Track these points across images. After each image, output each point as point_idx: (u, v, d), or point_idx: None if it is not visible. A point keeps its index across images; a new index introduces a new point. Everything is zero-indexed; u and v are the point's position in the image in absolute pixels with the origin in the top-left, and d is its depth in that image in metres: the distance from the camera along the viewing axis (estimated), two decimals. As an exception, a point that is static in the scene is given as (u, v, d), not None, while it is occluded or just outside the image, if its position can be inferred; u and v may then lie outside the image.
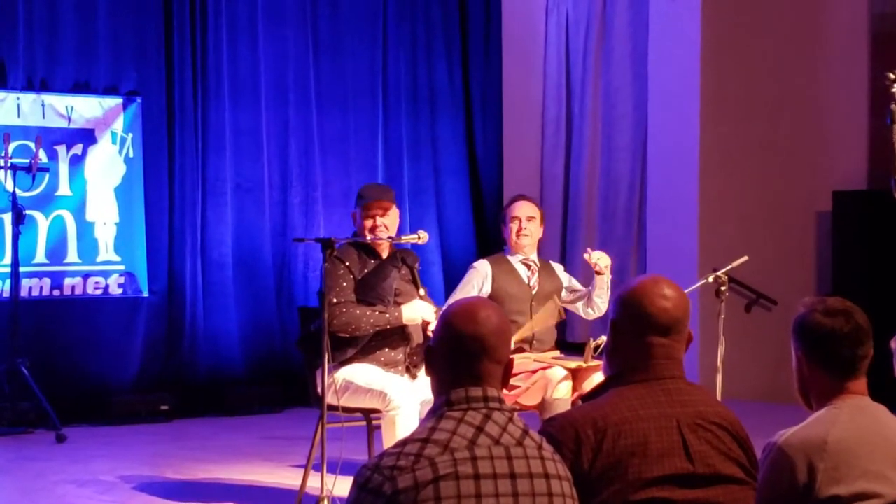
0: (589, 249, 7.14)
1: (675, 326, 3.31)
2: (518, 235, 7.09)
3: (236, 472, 7.70)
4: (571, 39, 11.53)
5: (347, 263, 6.45)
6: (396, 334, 6.47)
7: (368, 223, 6.53)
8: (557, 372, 6.62)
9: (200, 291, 10.16)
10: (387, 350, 6.47)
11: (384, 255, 6.60)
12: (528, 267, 7.13)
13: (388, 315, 6.37)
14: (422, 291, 6.60)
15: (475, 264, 7.21)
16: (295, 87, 10.69)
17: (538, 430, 3.11)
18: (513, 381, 6.61)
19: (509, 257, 7.15)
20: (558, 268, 7.39)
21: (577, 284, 7.34)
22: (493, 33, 11.87)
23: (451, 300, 6.94)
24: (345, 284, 6.39)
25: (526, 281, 7.08)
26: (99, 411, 9.52)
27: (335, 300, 6.31)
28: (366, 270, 6.48)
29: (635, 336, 3.31)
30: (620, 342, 3.35)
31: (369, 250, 6.56)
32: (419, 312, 6.45)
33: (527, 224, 7.09)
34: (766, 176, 10.66)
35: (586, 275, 7.34)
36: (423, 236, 6.56)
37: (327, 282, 6.21)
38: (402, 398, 6.16)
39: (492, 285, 7.02)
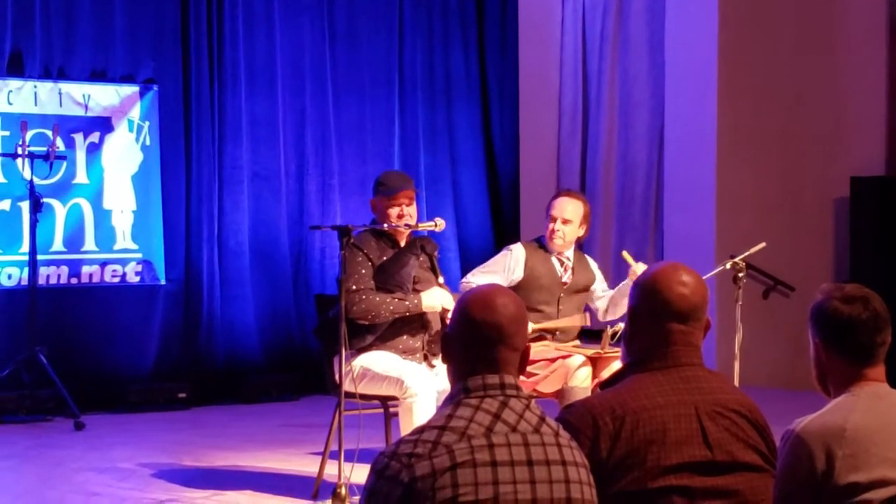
0: (626, 253, 7.04)
1: (694, 313, 3.30)
2: (551, 237, 7.05)
3: (254, 459, 7.72)
4: (588, 26, 11.51)
5: (365, 251, 6.44)
6: (415, 322, 6.47)
7: (395, 212, 6.50)
8: (577, 360, 6.62)
9: (217, 279, 10.18)
10: (405, 337, 6.47)
11: (402, 242, 6.59)
12: (562, 263, 7.11)
13: (407, 302, 6.37)
14: (441, 279, 6.60)
15: (511, 247, 7.18)
16: (311, 75, 10.70)
17: (556, 417, 3.10)
18: (532, 369, 6.62)
19: (546, 247, 7.13)
20: (593, 263, 7.37)
21: (604, 285, 7.33)
22: (510, 21, 11.85)
23: (474, 274, 6.96)
24: (363, 272, 6.39)
25: (558, 273, 7.07)
26: (117, 399, 9.55)
27: (354, 287, 6.31)
28: (384, 258, 6.48)
29: (654, 323, 3.30)
30: (639, 329, 3.34)
31: (387, 238, 6.55)
32: (439, 300, 6.44)
33: (561, 227, 7.01)
34: (784, 162, 10.64)
35: (603, 276, 7.33)
36: (439, 223, 6.56)
37: (346, 269, 6.21)
38: (419, 385, 6.17)
39: (524, 271, 7.01)
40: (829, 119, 10.79)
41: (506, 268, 7.02)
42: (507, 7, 11.86)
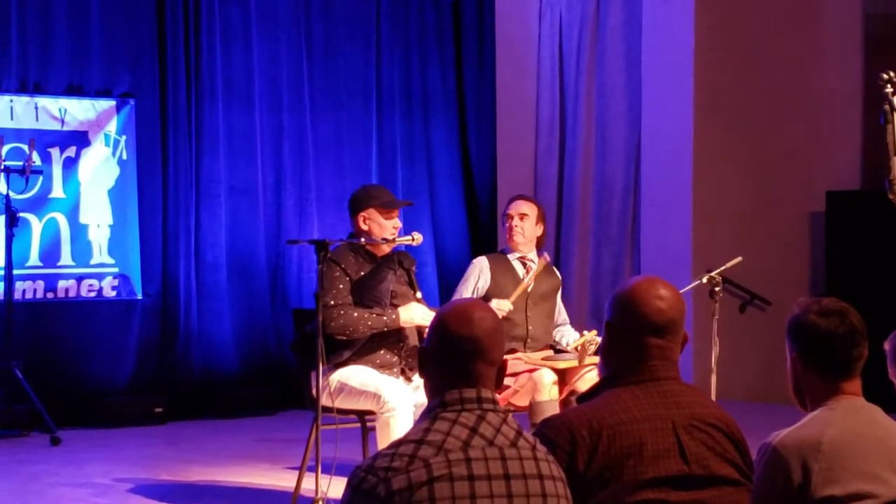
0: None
1: (671, 327, 3.30)
2: (510, 233, 7.20)
3: (231, 474, 7.70)
4: (565, 41, 11.53)
5: (343, 266, 6.43)
6: (392, 336, 6.46)
7: (391, 223, 6.54)
8: (545, 374, 6.63)
9: (194, 293, 10.15)
10: (382, 352, 6.46)
11: (379, 257, 6.59)
12: (524, 265, 7.19)
13: (385, 317, 6.37)
14: (419, 294, 6.61)
15: (474, 261, 7.33)
16: (288, 89, 10.69)
17: (532, 431, 3.10)
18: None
19: (508, 255, 7.22)
20: (557, 273, 7.46)
21: (563, 312, 7.43)
22: (487, 35, 11.86)
23: (454, 298, 6.97)
24: (341, 286, 6.39)
25: (522, 278, 7.12)
26: (93, 414, 9.51)
27: (332, 302, 6.30)
28: (362, 273, 6.48)
29: (631, 337, 3.30)
30: (616, 343, 3.34)
31: (365, 253, 6.55)
32: (416, 315, 6.44)
33: (518, 222, 7.18)
34: (760, 176, 10.67)
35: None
36: (417, 238, 6.58)
37: (323, 284, 6.20)
38: (396, 400, 6.16)
39: (489, 281, 7.08)
40: (805, 133, 10.83)
41: (473, 280, 7.14)
42: (484, 22, 11.87)
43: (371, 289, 6.43)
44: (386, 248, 6.58)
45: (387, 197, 6.65)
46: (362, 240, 6.50)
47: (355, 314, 6.33)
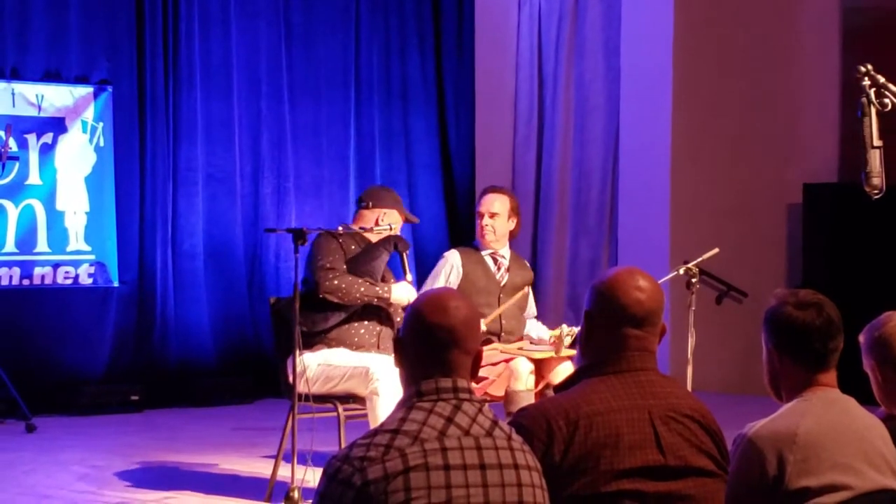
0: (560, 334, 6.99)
1: (650, 318, 3.30)
2: (482, 233, 7.13)
3: (207, 462, 7.68)
4: (544, 32, 11.54)
5: (340, 240, 6.50)
6: (374, 316, 6.50)
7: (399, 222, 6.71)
8: (521, 363, 6.63)
9: (171, 281, 10.13)
10: (362, 333, 6.50)
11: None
12: (496, 261, 7.16)
13: (378, 289, 6.42)
14: (409, 277, 6.64)
15: (445, 254, 7.26)
16: (267, 77, 10.67)
17: (508, 420, 3.10)
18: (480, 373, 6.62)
19: (480, 250, 7.17)
20: (529, 267, 7.49)
21: (533, 306, 7.41)
22: (466, 25, 11.86)
23: (423, 290, 6.97)
24: (337, 256, 6.43)
25: (493, 271, 7.11)
26: (69, 401, 9.48)
27: (328, 265, 6.33)
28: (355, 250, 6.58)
29: (609, 327, 3.30)
30: (594, 333, 3.34)
31: (360, 238, 6.64)
32: (407, 294, 6.49)
33: (489, 221, 7.09)
34: (738, 168, 10.69)
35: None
36: (395, 226, 6.62)
37: (320, 249, 6.26)
38: (383, 371, 6.14)
39: (461, 276, 7.04)
40: (782, 125, 10.86)
41: (444, 275, 7.08)
42: (463, 11, 11.87)
43: (364, 264, 6.48)
44: (375, 237, 6.65)
45: (398, 204, 6.83)
46: (340, 228, 6.54)
47: (350, 278, 6.36)
